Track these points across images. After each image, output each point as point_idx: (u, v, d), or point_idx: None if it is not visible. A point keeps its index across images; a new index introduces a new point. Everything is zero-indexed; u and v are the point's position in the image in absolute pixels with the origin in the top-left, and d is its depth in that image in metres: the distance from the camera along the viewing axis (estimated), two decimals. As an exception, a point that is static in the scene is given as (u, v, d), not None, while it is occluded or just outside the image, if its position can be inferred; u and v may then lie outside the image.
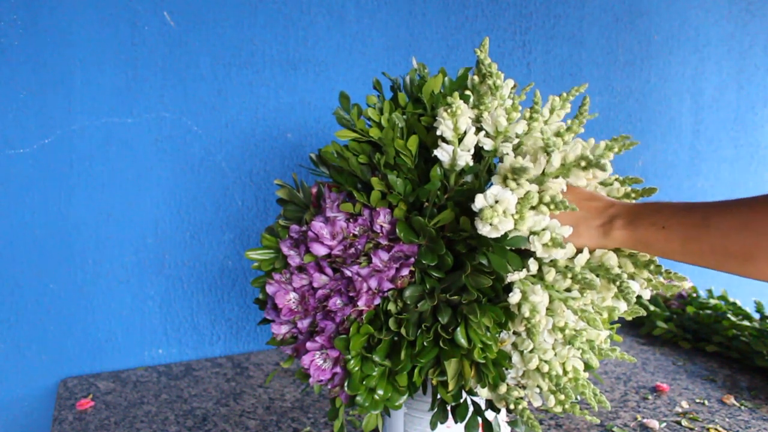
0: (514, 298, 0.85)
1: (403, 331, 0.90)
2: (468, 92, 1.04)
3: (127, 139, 1.68)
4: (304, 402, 1.53)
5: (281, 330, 1.03)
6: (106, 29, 1.62)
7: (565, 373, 0.88)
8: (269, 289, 1.01)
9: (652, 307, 2.09)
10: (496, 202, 0.84)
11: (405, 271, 0.91)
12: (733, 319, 1.88)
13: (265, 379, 1.67)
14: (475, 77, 1.03)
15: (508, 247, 0.87)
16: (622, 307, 0.92)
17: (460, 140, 0.95)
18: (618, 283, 0.83)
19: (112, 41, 1.63)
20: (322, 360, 0.95)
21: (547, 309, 0.86)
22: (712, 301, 2.01)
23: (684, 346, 1.95)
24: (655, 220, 0.81)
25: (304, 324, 0.99)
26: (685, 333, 1.99)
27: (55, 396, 1.64)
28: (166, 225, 1.75)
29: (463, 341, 0.87)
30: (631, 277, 0.91)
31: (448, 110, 0.93)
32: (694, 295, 2.10)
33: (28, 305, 1.64)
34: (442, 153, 0.95)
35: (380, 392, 0.92)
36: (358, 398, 0.91)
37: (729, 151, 2.62)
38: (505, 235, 0.86)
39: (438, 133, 0.95)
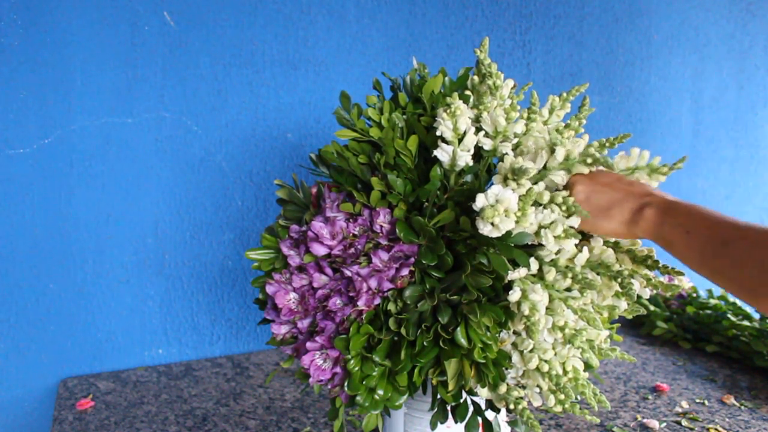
0: (514, 296, 0.85)
1: (403, 331, 0.90)
2: (468, 92, 1.04)
3: (127, 139, 1.68)
4: (304, 402, 1.53)
5: (281, 330, 1.03)
6: (106, 29, 1.62)
7: (565, 372, 0.88)
8: (269, 289, 1.01)
9: (652, 307, 2.09)
10: (497, 201, 0.84)
11: (405, 271, 0.91)
12: (733, 319, 1.88)
13: (265, 379, 1.67)
14: (475, 77, 1.04)
15: (513, 245, 0.87)
16: (623, 305, 0.92)
17: (460, 140, 0.95)
18: (620, 280, 0.83)
19: (112, 41, 1.63)
20: (322, 360, 0.95)
21: (547, 308, 0.86)
22: (712, 301, 2.01)
23: (684, 346, 1.95)
24: (683, 221, 0.81)
25: (304, 324, 0.99)
26: (685, 333, 1.99)
27: (55, 396, 1.64)
28: (166, 225, 1.75)
29: (463, 341, 0.87)
30: (631, 275, 0.91)
31: (448, 111, 0.93)
32: (694, 295, 2.10)
33: (28, 305, 1.64)
34: (442, 153, 0.95)
35: (380, 392, 0.92)
36: (358, 398, 0.91)
37: (729, 151, 2.62)
38: (509, 232, 0.86)
39: (438, 133, 0.95)
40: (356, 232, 0.96)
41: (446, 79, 1.07)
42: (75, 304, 1.68)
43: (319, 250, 0.96)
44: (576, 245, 0.90)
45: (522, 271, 0.87)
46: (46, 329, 1.66)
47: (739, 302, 1.99)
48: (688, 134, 2.51)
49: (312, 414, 1.47)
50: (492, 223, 0.84)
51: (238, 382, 1.66)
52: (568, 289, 0.89)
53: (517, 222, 0.85)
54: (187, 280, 1.79)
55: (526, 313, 0.83)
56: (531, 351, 0.89)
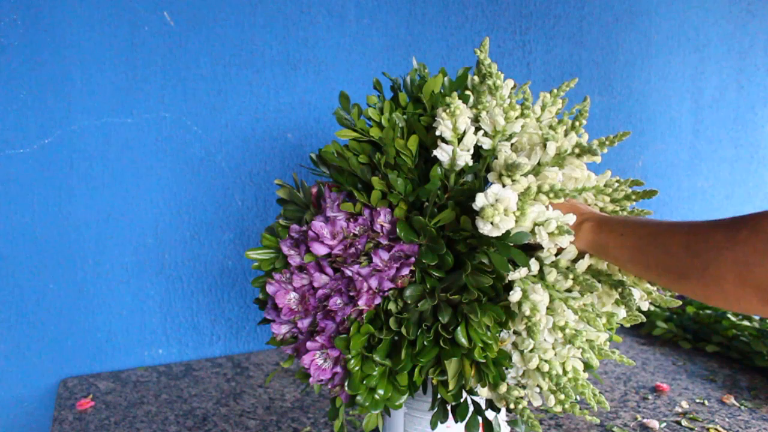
0: (515, 296, 0.85)
1: (403, 330, 0.90)
2: (468, 92, 1.04)
3: (127, 139, 1.68)
4: (304, 402, 1.53)
5: (281, 330, 1.03)
6: (106, 29, 1.62)
7: (565, 372, 0.88)
8: (269, 289, 1.01)
9: (652, 308, 2.09)
10: (497, 200, 0.84)
11: (405, 271, 0.91)
12: (733, 319, 1.88)
13: (265, 379, 1.67)
14: (475, 77, 1.04)
15: (512, 244, 0.87)
16: (621, 313, 0.92)
17: (460, 140, 0.95)
18: (620, 289, 0.84)
19: (112, 41, 1.63)
20: (323, 360, 0.95)
21: (548, 308, 0.86)
22: (713, 301, 2.00)
23: (684, 346, 1.94)
24: (617, 227, 0.86)
25: (304, 324, 0.99)
26: (685, 333, 1.99)
27: (55, 396, 1.64)
28: (166, 225, 1.75)
29: (463, 341, 0.87)
30: (633, 285, 0.91)
31: (447, 111, 0.93)
32: (695, 295, 2.10)
33: (28, 305, 1.64)
34: (442, 153, 0.95)
35: (380, 392, 0.92)
36: (358, 398, 0.91)
37: (729, 151, 2.62)
38: (508, 232, 0.86)
39: (437, 133, 0.95)
40: (357, 232, 0.96)
41: (446, 79, 1.07)
42: (75, 304, 1.68)
43: (320, 249, 0.96)
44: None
45: (523, 271, 0.87)
46: (46, 329, 1.66)
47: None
48: (688, 134, 2.51)
49: (312, 414, 1.47)
50: (492, 223, 0.84)
51: (238, 382, 1.66)
52: (569, 290, 0.89)
53: (516, 221, 0.85)
54: (187, 280, 1.79)
55: (527, 313, 0.83)
56: (531, 351, 0.89)
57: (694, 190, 2.56)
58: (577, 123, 0.97)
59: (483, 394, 0.93)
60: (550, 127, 0.96)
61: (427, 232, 0.92)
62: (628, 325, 0.98)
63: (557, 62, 2.21)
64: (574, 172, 0.93)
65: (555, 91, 1.04)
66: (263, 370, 1.75)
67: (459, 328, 0.88)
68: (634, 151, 2.40)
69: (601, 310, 0.92)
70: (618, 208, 1.02)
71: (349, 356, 0.91)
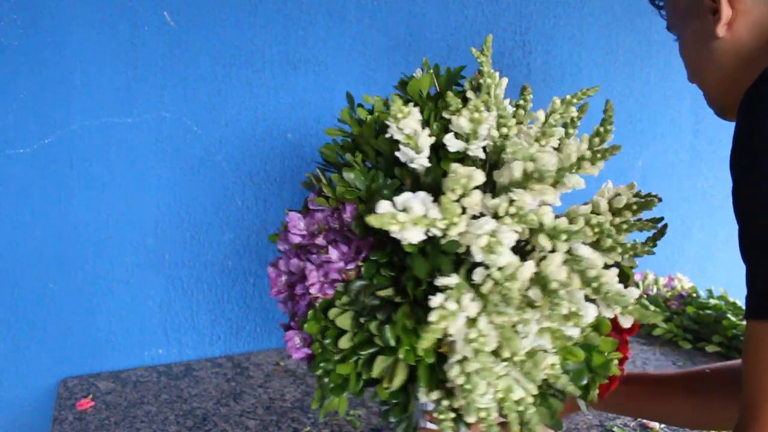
0: (434, 302, 0.77)
1: (339, 321, 0.91)
2: (469, 93, 1.03)
3: (127, 139, 1.69)
4: (304, 402, 1.54)
5: (285, 310, 1.08)
6: (106, 29, 1.63)
7: (490, 390, 0.79)
8: (270, 271, 1.05)
9: (652, 308, 2.08)
10: (404, 209, 0.78)
11: (351, 265, 0.93)
12: (733, 319, 1.87)
13: (265, 379, 1.68)
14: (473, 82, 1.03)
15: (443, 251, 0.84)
16: (575, 332, 0.81)
17: (415, 143, 0.92)
18: (595, 284, 0.75)
19: (112, 41, 1.64)
20: (299, 339, 0.98)
21: (469, 319, 0.79)
22: (712, 301, 1.99)
23: (684, 346, 1.93)
24: None
25: (289, 306, 1.03)
26: (685, 333, 1.98)
27: (55, 396, 1.65)
28: (166, 225, 1.76)
29: (391, 341, 0.87)
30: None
31: (395, 117, 0.90)
32: (694, 295, 2.09)
33: (28, 305, 1.65)
34: (402, 155, 0.93)
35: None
36: (325, 380, 0.93)
37: (729, 151, 2.59)
38: (439, 238, 0.81)
39: (387, 136, 0.92)
40: (334, 225, 0.99)
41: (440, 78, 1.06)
42: (75, 304, 1.69)
43: (294, 238, 1.00)
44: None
45: (450, 280, 0.80)
46: (46, 329, 1.67)
47: (739, 302, 1.98)
48: (688, 134, 2.49)
49: (312, 414, 1.47)
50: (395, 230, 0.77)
51: (238, 382, 1.66)
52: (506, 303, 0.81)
53: (446, 229, 0.79)
54: (187, 280, 1.80)
55: (433, 319, 0.76)
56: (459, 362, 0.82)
57: (694, 190, 2.53)
58: (572, 126, 0.96)
59: (421, 398, 0.89)
60: (536, 138, 0.93)
61: (381, 230, 0.91)
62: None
63: (557, 62, 2.20)
64: (544, 195, 0.85)
65: (569, 97, 1.01)
66: (263, 370, 1.75)
67: (388, 326, 0.87)
68: (634, 151, 2.38)
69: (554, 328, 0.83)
70: (619, 220, 0.96)
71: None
